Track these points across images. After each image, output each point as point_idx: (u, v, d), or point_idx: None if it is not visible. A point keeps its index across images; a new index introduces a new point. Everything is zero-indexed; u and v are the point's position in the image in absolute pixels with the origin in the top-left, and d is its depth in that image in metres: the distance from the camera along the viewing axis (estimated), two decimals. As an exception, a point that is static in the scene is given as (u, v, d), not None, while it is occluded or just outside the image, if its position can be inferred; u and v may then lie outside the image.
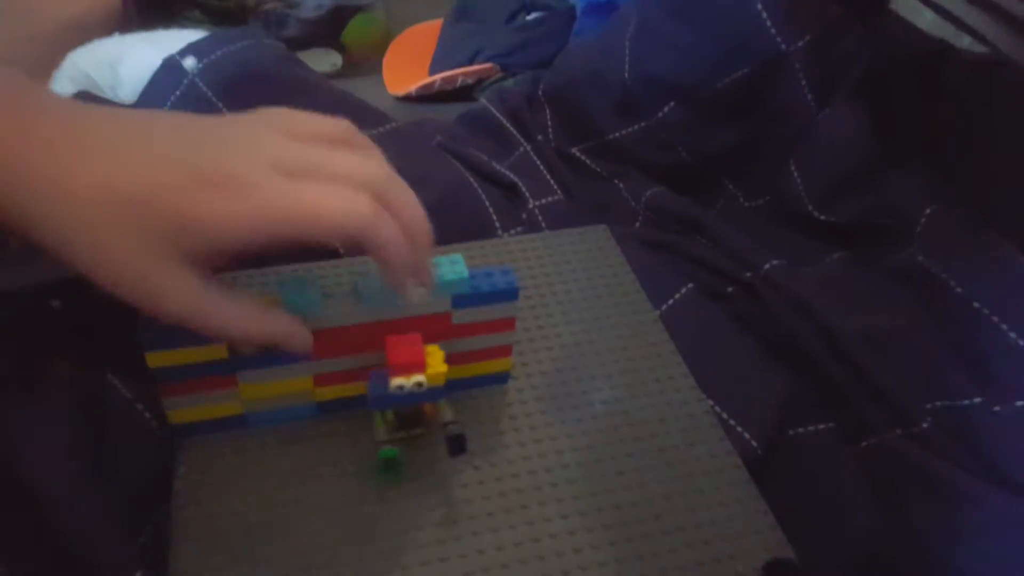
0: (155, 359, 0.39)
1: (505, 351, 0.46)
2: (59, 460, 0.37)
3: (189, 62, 0.60)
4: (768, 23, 0.58)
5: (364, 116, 0.64)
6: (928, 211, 0.55)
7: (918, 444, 0.46)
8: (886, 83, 0.62)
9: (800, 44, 0.59)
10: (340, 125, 0.37)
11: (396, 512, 0.41)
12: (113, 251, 0.32)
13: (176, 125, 0.35)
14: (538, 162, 0.67)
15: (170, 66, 0.60)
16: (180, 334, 0.37)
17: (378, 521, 0.41)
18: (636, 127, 0.65)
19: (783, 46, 0.59)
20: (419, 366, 0.39)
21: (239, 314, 0.36)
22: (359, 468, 0.43)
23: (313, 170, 0.34)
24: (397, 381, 0.39)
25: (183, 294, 0.33)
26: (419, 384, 0.39)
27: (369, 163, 0.36)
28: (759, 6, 0.58)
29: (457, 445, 0.41)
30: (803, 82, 0.60)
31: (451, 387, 0.45)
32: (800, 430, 0.48)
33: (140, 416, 0.41)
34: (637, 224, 0.63)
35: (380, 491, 0.42)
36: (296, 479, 0.42)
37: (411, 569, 0.39)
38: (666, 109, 0.63)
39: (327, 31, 0.87)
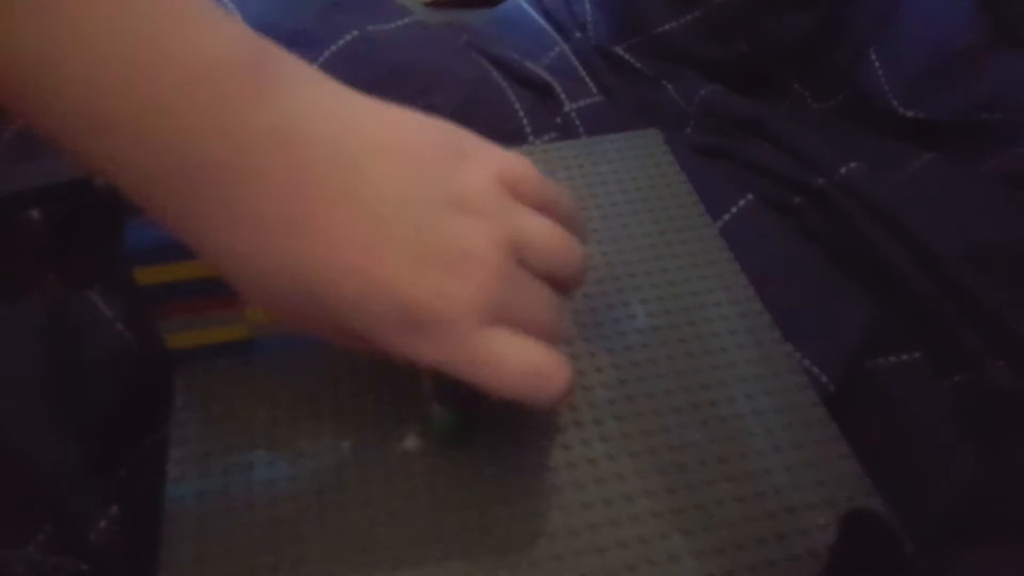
0: (145, 275, 0.34)
1: (542, 271, 0.40)
2: (24, 384, 0.34)
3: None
4: None
5: (379, 8, 0.58)
6: None
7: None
8: None
9: None
10: (578, 264, 0.33)
11: (419, 449, 0.36)
12: (296, 323, 0.30)
13: (407, 198, 0.29)
14: (576, 62, 0.61)
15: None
16: (173, 248, 0.32)
17: (399, 459, 0.36)
18: (689, 17, 0.58)
19: None
20: None
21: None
22: (377, 401, 0.38)
23: (526, 320, 0.30)
24: None
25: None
26: None
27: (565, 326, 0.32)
28: None
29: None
30: None
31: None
32: (881, 361, 0.42)
33: (120, 337, 0.36)
34: (688, 129, 0.56)
35: (402, 426, 0.37)
36: (309, 412, 0.37)
37: (433, 501, 0.35)
38: (725, -7, 0.55)
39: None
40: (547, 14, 0.65)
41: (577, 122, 0.55)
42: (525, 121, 0.53)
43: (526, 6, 0.66)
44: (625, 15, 0.61)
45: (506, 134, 0.52)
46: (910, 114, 0.51)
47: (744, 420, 0.38)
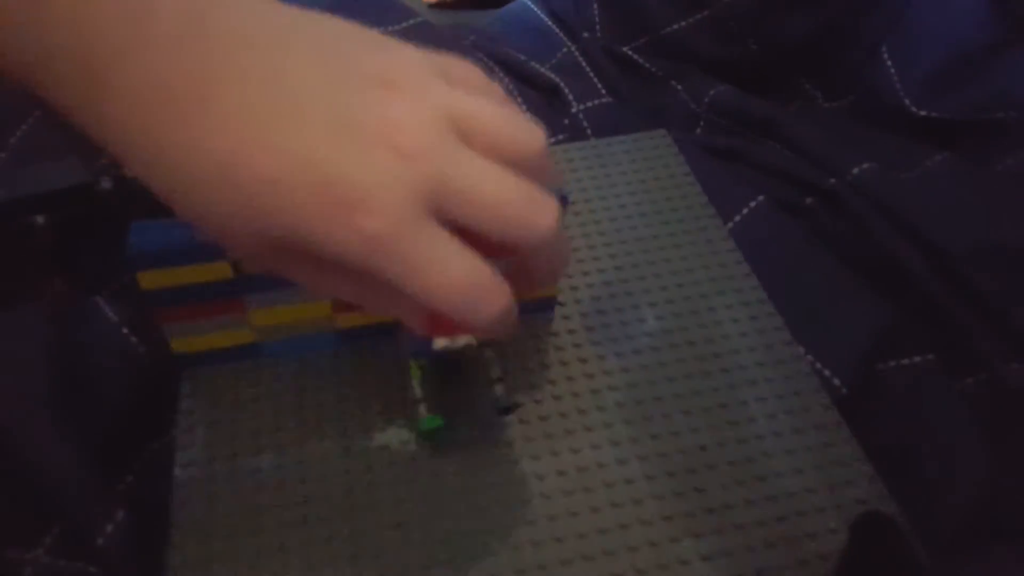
0: (149, 280, 0.34)
1: (551, 273, 0.40)
2: (30, 388, 0.33)
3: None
4: None
5: (383, 10, 0.57)
6: None
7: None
8: None
9: None
10: (533, 140, 0.28)
11: (425, 450, 0.36)
12: (228, 227, 0.26)
13: (330, 82, 0.26)
14: (584, 63, 0.60)
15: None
16: (177, 252, 0.32)
17: (405, 460, 0.36)
18: (698, 16, 0.57)
19: None
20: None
21: (354, 291, 0.30)
22: (384, 405, 0.38)
23: (468, 204, 0.26)
24: (441, 343, 0.33)
25: (301, 276, 0.28)
26: (468, 346, 0.34)
27: (541, 214, 0.27)
28: None
29: (506, 412, 0.36)
30: None
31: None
32: (892, 363, 0.41)
33: (125, 341, 0.36)
34: (698, 130, 0.56)
35: (408, 425, 0.37)
36: (314, 415, 0.37)
37: (442, 500, 0.35)
38: (733, -7, 0.55)
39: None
40: (554, 15, 0.64)
41: (584, 123, 0.54)
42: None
43: (533, 7, 0.65)
44: (633, 15, 0.60)
45: (514, 136, 0.52)
46: (923, 113, 0.50)
47: (755, 423, 0.37)
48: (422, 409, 0.35)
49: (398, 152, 0.25)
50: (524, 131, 0.28)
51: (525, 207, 0.27)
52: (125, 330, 0.37)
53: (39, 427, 0.33)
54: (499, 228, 0.26)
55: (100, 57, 0.24)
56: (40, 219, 0.39)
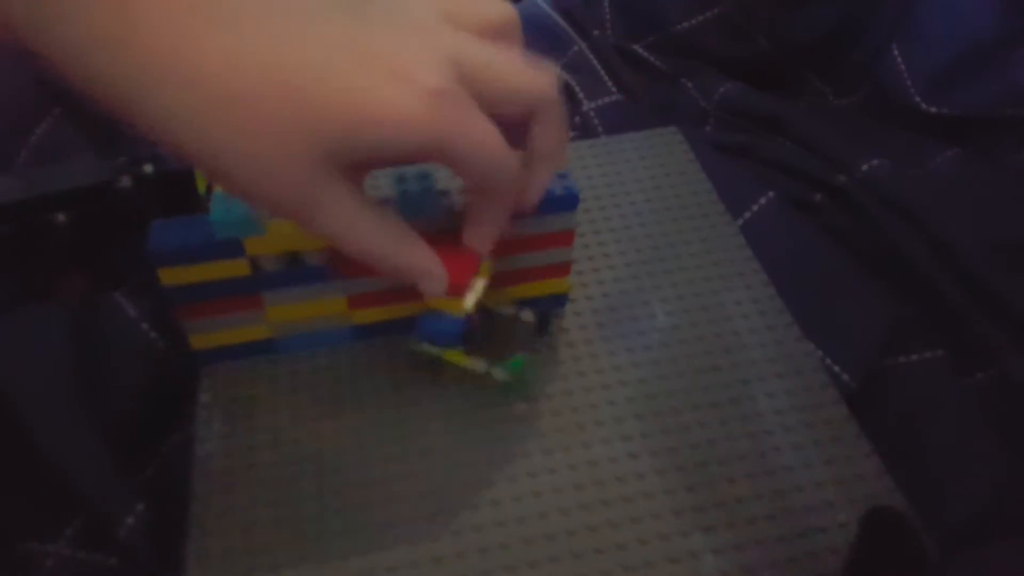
0: (169, 276, 0.34)
1: (562, 270, 0.40)
2: (51, 384, 0.34)
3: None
4: None
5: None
6: None
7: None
8: None
9: None
10: (505, 10, 0.30)
11: (440, 445, 0.37)
12: (261, 155, 0.25)
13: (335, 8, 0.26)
14: (594, 60, 0.60)
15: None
16: (196, 249, 0.33)
17: (421, 455, 0.36)
18: (708, 14, 0.57)
19: None
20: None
21: (387, 240, 0.29)
22: (400, 398, 0.38)
23: (487, 83, 0.28)
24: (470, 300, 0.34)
25: (341, 210, 0.27)
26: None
27: (544, 75, 0.30)
28: None
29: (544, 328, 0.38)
30: None
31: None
32: (902, 359, 0.42)
33: (145, 337, 0.37)
34: (708, 127, 0.56)
35: (423, 423, 0.37)
36: (331, 410, 0.38)
37: (455, 495, 0.35)
38: (744, -10, 0.55)
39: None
40: (565, 13, 0.64)
41: (596, 121, 0.55)
42: None
43: (544, 5, 0.66)
44: (643, 13, 0.60)
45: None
46: (933, 110, 0.50)
47: (765, 418, 0.38)
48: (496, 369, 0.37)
49: (422, 31, 0.27)
50: (496, 6, 0.30)
51: (533, 72, 0.30)
52: (145, 325, 0.37)
53: (60, 421, 0.33)
54: (523, 92, 0.29)
55: None
56: (61, 216, 0.40)
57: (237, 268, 0.35)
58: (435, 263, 0.31)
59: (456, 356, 0.37)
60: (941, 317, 0.42)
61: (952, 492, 0.37)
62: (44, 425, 0.33)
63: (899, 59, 0.51)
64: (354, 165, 0.26)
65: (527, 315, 0.39)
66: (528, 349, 0.38)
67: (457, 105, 0.26)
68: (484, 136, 0.27)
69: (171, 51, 0.23)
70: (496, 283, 0.39)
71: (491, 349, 0.38)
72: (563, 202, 0.36)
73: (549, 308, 0.40)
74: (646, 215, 0.47)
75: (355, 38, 0.25)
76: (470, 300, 0.34)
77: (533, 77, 0.30)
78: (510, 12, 0.30)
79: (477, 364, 0.37)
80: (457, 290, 0.32)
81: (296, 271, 0.35)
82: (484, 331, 0.37)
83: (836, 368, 0.40)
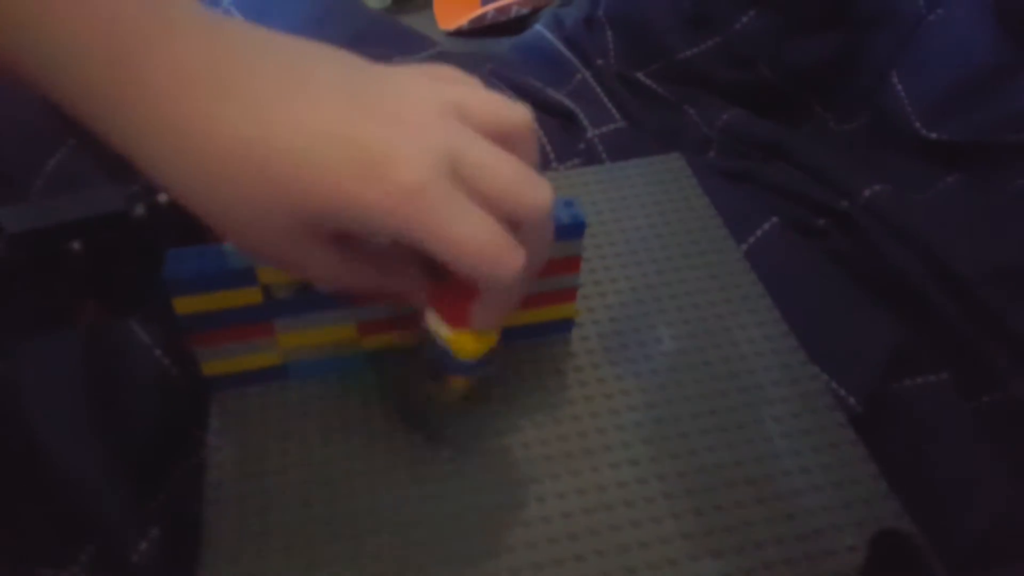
0: (183, 305, 0.35)
1: (569, 295, 0.41)
2: (65, 410, 0.35)
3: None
4: None
5: (405, 40, 0.59)
6: None
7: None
8: None
9: None
10: (520, 116, 0.30)
11: (451, 470, 0.37)
12: (246, 220, 0.27)
13: (340, 75, 0.28)
14: (598, 88, 0.61)
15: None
16: (210, 278, 0.33)
17: (432, 481, 0.37)
18: (709, 43, 0.58)
19: None
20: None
21: (373, 278, 0.31)
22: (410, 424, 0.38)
23: (482, 176, 0.27)
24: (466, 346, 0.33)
25: (328, 269, 0.29)
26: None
27: (540, 190, 0.29)
28: None
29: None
30: None
31: (510, 336, 0.41)
32: (907, 382, 0.42)
33: (158, 363, 0.37)
34: (711, 153, 0.57)
35: (434, 449, 0.38)
36: (342, 436, 0.38)
37: (465, 520, 0.35)
38: (744, 19, 0.56)
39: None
40: (568, 42, 0.65)
41: (600, 147, 0.55)
42: (549, 148, 0.54)
43: (548, 34, 0.67)
44: (646, 42, 0.61)
45: (531, 161, 0.53)
46: (933, 136, 0.51)
47: (772, 442, 0.38)
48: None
49: (417, 124, 0.27)
50: (510, 109, 0.30)
51: (529, 184, 0.29)
52: (158, 352, 0.38)
53: (75, 447, 0.34)
54: (510, 201, 0.28)
55: (128, 48, 0.25)
56: (76, 244, 0.40)
57: (250, 296, 0.35)
58: (417, 286, 0.32)
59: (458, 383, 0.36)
60: (945, 340, 0.43)
61: (958, 516, 0.37)
62: (59, 450, 0.33)
63: (899, 86, 0.52)
64: (342, 232, 0.27)
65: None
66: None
67: (432, 205, 0.26)
68: (464, 238, 0.27)
69: (167, 116, 0.25)
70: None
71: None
72: (570, 230, 0.37)
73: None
74: (651, 240, 0.48)
75: (342, 128, 0.26)
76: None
77: (525, 191, 0.28)
78: (524, 119, 0.30)
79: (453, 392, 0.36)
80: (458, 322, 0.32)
81: (307, 299, 0.36)
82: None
83: (842, 391, 0.41)
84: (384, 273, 0.31)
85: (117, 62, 0.25)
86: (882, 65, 0.54)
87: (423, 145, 0.26)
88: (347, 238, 0.29)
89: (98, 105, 0.26)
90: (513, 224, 0.28)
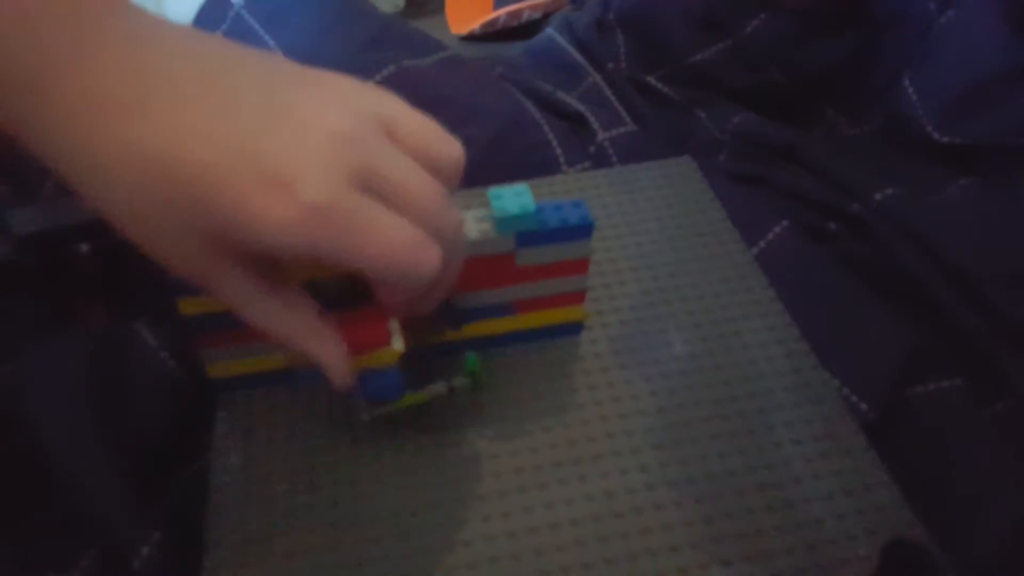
0: (188, 306, 0.35)
1: (577, 298, 0.40)
2: (70, 412, 0.34)
3: (236, -7, 0.57)
4: None
5: (416, 43, 0.59)
6: None
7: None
8: None
9: None
10: (452, 149, 0.30)
11: (456, 476, 0.37)
12: (161, 235, 0.27)
13: (259, 85, 0.28)
14: (608, 92, 0.61)
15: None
16: None
17: (436, 486, 0.36)
18: (720, 46, 0.58)
19: None
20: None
21: (286, 326, 0.30)
22: (416, 428, 0.38)
23: (393, 192, 0.28)
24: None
25: (237, 290, 0.29)
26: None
27: (449, 214, 0.29)
28: None
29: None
30: None
31: (518, 339, 0.41)
32: (920, 389, 0.41)
33: (164, 366, 0.37)
34: (722, 156, 0.56)
35: (440, 451, 0.37)
36: (347, 440, 0.38)
37: (473, 525, 0.35)
38: (755, 22, 0.55)
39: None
40: (580, 45, 0.65)
41: (610, 151, 0.55)
42: (559, 151, 0.54)
43: (559, 38, 0.67)
44: (657, 45, 0.61)
45: (540, 163, 0.53)
46: (945, 140, 0.50)
47: (783, 449, 0.37)
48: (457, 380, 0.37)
49: (330, 135, 0.26)
50: (444, 140, 0.30)
51: (437, 206, 0.29)
52: (164, 354, 0.38)
53: (78, 449, 0.34)
54: (414, 218, 0.28)
55: (41, 70, 0.25)
56: (83, 247, 0.40)
57: None
58: (335, 355, 0.31)
59: (411, 398, 0.36)
60: (959, 346, 0.42)
61: (973, 525, 0.36)
62: (63, 453, 0.33)
63: (911, 90, 0.52)
64: (255, 253, 0.27)
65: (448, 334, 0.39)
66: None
67: (340, 220, 0.26)
68: (376, 247, 0.27)
69: (79, 137, 0.25)
70: (511, 311, 0.39)
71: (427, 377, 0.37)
72: (578, 231, 0.37)
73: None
74: (661, 243, 0.47)
75: (249, 143, 0.26)
76: (397, 343, 0.33)
77: (436, 212, 0.29)
78: (455, 153, 0.30)
79: (437, 388, 0.37)
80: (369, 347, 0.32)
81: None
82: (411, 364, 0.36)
83: (854, 398, 0.40)
84: (293, 321, 0.30)
85: (30, 84, 0.25)
86: (894, 68, 0.54)
87: (332, 160, 0.26)
88: (261, 261, 0.28)
89: (12, 119, 0.26)
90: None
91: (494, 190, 0.36)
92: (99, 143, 0.25)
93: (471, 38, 0.81)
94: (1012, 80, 0.49)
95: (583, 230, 0.37)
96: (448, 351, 0.39)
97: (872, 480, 0.36)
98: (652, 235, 0.48)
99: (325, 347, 0.30)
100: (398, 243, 0.27)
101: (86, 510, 0.33)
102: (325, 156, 0.26)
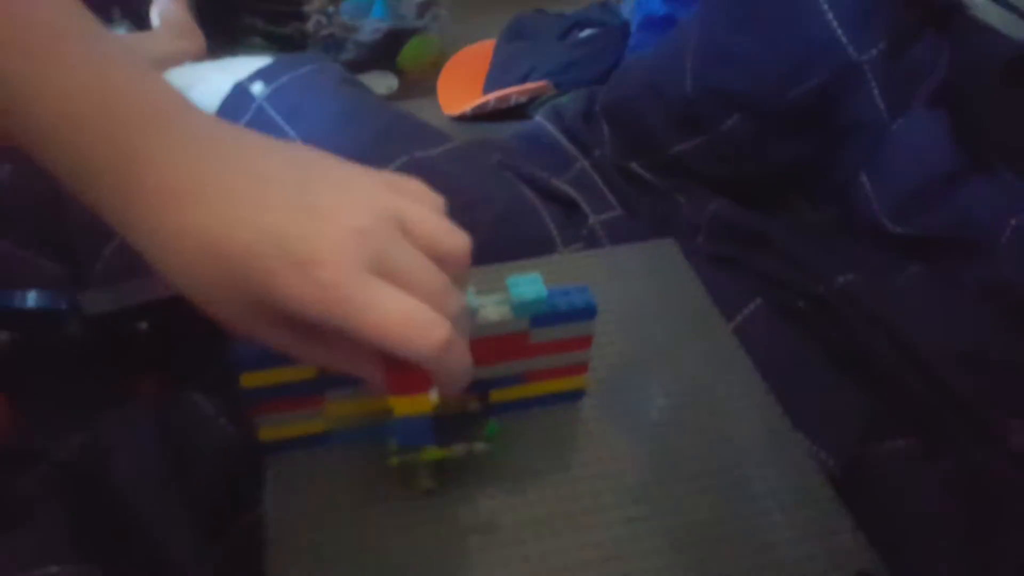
0: (250, 379, 0.40)
1: (580, 369, 0.46)
2: (147, 472, 0.39)
3: (257, 87, 0.62)
4: (839, 31, 0.58)
5: (424, 136, 0.65)
6: (1013, 223, 0.53)
7: (1009, 463, 0.44)
8: (965, 90, 0.61)
9: (873, 52, 0.58)
10: (457, 243, 0.36)
11: (476, 527, 0.41)
12: (217, 301, 0.33)
13: (293, 177, 0.34)
14: (596, 177, 0.67)
15: (239, 92, 0.61)
16: (274, 355, 0.38)
17: (461, 535, 0.41)
18: (698, 140, 0.64)
19: (855, 55, 0.58)
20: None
21: (329, 362, 0.37)
22: (442, 483, 0.42)
23: (401, 279, 0.33)
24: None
25: (275, 339, 0.35)
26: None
27: (452, 300, 0.34)
28: (830, 15, 0.57)
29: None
30: (876, 91, 0.59)
31: (527, 405, 0.46)
32: (879, 446, 0.47)
33: (223, 430, 0.42)
34: (700, 239, 0.62)
35: (451, 507, 0.42)
36: (384, 495, 0.42)
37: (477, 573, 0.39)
38: (730, 122, 0.62)
39: (384, 54, 0.88)
40: (568, 133, 0.71)
41: (600, 232, 0.61)
42: (555, 233, 0.60)
43: (548, 126, 0.72)
44: (639, 137, 0.67)
45: (539, 244, 0.59)
46: (898, 230, 0.57)
47: (760, 500, 0.43)
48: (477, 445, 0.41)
49: (348, 229, 0.32)
50: (450, 234, 0.36)
51: (440, 291, 0.34)
52: (222, 420, 0.42)
53: (155, 505, 0.38)
54: (420, 300, 0.33)
55: (119, 163, 0.32)
56: (143, 325, 0.45)
57: (306, 371, 0.40)
58: (370, 372, 0.36)
59: (433, 453, 0.41)
60: (912, 411, 0.48)
61: (920, 561, 0.41)
62: (141, 508, 0.37)
63: (867, 185, 0.59)
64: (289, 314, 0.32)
65: (473, 404, 0.44)
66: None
67: (348, 296, 0.31)
68: (380, 321, 0.31)
69: (150, 220, 0.32)
70: (523, 380, 0.45)
71: (452, 437, 0.42)
72: (583, 313, 0.42)
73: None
74: (648, 318, 0.53)
75: (282, 226, 0.32)
76: (433, 395, 0.37)
77: (441, 299, 0.33)
78: (460, 246, 0.36)
79: (458, 449, 0.41)
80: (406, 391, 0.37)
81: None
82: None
83: (822, 454, 0.45)
84: (333, 351, 0.36)
85: (109, 174, 0.32)
86: (852, 166, 0.60)
87: (347, 248, 0.32)
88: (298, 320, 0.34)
89: (95, 200, 0.32)
90: None
91: (511, 278, 0.41)
92: (166, 226, 0.32)
93: (462, 119, 0.85)
94: (954, 181, 0.56)
95: (587, 312, 0.43)
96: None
97: (838, 526, 0.42)
98: (640, 310, 0.53)
99: (366, 370, 0.36)
100: (398, 317, 0.32)
101: (162, 556, 0.37)
102: (342, 245, 0.32)
